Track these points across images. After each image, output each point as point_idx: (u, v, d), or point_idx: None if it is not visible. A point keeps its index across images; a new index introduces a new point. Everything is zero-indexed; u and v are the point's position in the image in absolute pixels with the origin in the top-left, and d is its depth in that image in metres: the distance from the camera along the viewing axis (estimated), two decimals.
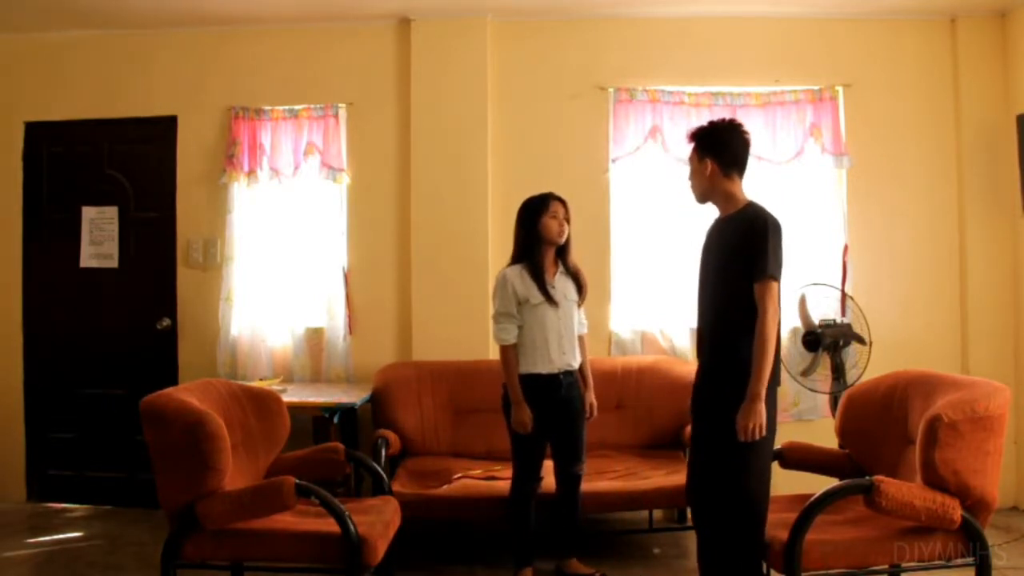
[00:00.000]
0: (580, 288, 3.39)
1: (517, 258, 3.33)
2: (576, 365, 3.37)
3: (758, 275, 2.61)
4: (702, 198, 2.85)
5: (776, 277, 2.64)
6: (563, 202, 3.33)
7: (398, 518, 3.07)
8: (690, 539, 3.14)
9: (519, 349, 3.28)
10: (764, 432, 2.60)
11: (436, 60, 4.40)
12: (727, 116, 4.22)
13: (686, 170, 2.93)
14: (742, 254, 2.65)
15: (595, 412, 3.47)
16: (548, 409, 3.27)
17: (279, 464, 3.23)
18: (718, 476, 2.72)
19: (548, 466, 3.41)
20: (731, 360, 2.68)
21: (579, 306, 3.41)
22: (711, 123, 2.87)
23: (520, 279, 3.27)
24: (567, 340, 3.31)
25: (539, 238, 3.28)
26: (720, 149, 2.77)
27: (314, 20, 4.48)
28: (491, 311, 3.34)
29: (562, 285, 3.33)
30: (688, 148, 2.88)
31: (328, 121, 4.43)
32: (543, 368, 3.27)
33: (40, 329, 4.66)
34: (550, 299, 3.25)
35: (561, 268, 3.37)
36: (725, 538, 2.71)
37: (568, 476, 3.36)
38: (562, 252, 3.37)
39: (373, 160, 4.48)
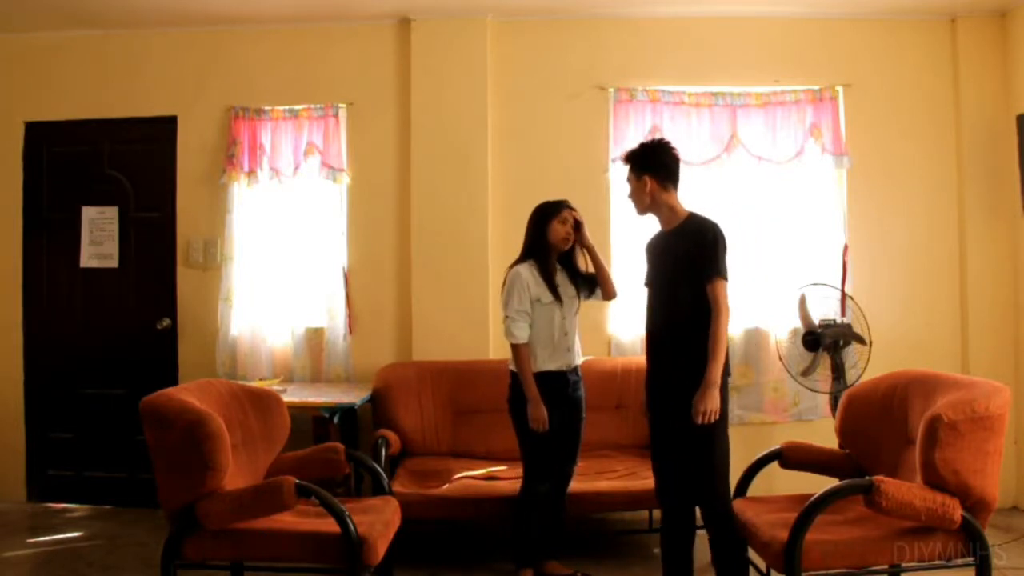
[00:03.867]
0: (582, 282, 3.42)
1: (525, 257, 3.38)
2: (578, 363, 3.42)
3: (712, 276, 2.89)
4: (643, 212, 3.12)
5: (726, 277, 2.92)
6: (576, 212, 3.40)
7: (398, 518, 3.07)
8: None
9: (530, 348, 3.30)
10: (718, 416, 2.85)
11: (436, 60, 4.40)
12: (724, 117, 4.32)
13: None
14: (695, 260, 2.92)
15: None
16: (559, 406, 3.30)
17: (279, 464, 3.23)
18: (688, 462, 2.93)
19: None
20: (691, 355, 2.89)
21: (581, 299, 3.45)
22: (642, 144, 3.16)
23: (532, 278, 3.32)
24: (571, 337, 3.37)
25: (547, 241, 3.35)
26: (656, 166, 3.04)
27: (314, 20, 4.48)
28: (503, 309, 3.33)
29: (564, 284, 3.39)
30: (625, 169, 3.14)
31: (328, 121, 4.43)
32: (553, 365, 3.31)
33: (40, 329, 4.66)
34: (558, 298, 3.32)
35: (560, 268, 3.41)
36: (710, 520, 2.95)
37: (562, 474, 3.37)
38: (569, 260, 3.43)
39: (373, 160, 4.48)
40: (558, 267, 3.42)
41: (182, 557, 2.72)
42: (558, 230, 3.34)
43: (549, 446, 3.30)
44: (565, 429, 3.34)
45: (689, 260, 2.92)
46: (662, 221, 3.09)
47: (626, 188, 3.15)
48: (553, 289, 3.32)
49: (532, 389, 3.24)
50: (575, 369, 3.39)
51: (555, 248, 3.36)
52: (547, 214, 3.37)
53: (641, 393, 4.01)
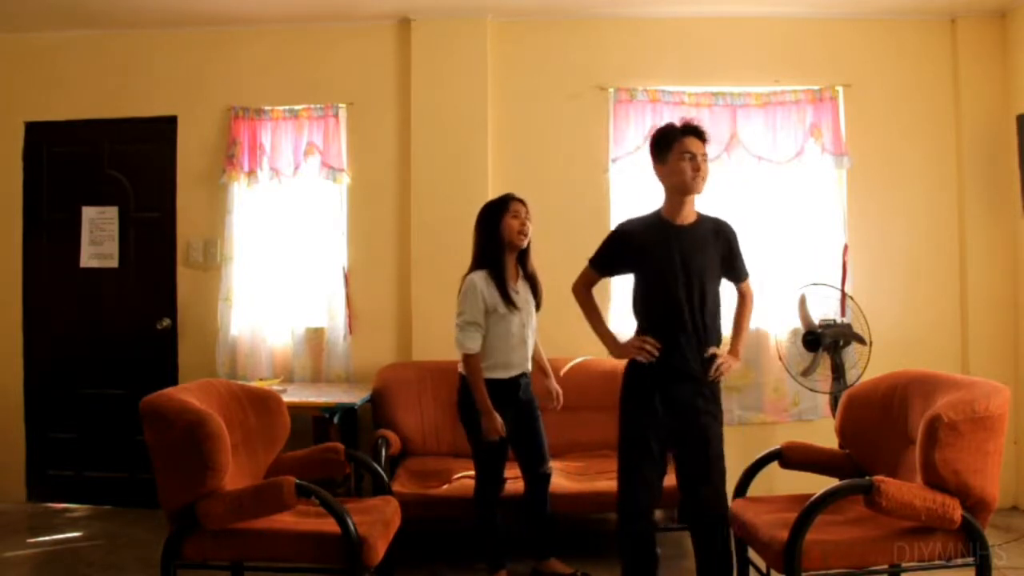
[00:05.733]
0: (537, 293, 3.36)
1: (479, 264, 3.26)
2: (530, 368, 3.37)
3: (746, 273, 3.07)
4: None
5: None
6: (523, 203, 3.29)
7: (398, 518, 3.06)
8: (690, 539, 3.14)
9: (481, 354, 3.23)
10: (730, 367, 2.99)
11: (436, 60, 4.41)
12: (724, 117, 4.31)
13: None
14: (725, 256, 2.97)
15: (561, 399, 3.47)
16: (510, 413, 3.26)
17: (279, 464, 3.22)
18: (704, 454, 2.91)
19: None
20: (712, 346, 2.94)
21: (536, 311, 3.38)
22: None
23: (488, 287, 3.21)
24: (528, 344, 3.32)
25: (501, 241, 3.23)
26: None
27: (314, 20, 4.48)
28: (456, 317, 3.23)
29: (523, 291, 3.31)
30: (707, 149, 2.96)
31: (328, 121, 4.43)
32: (503, 373, 3.25)
33: (40, 329, 4.67)
34: (515, 306, 3.23)
35: (521, 273, 3.34)
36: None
37: (537, 477, 3.35)
38: (523, 257, 3.33)
39: (373, 160, 4.49)
40: (521, 274, 3.32)
41: (182, 557, 2.72)
42: (512, 225, 3.21)
43: (500, 453, 3.26)
44: (523, 432, 3.31)
45: (717, 256, 2.94)
46: (688, 210, 2.92)
47: (706, 169, 2.92)
48: (508, 299, 3.19)
49: (485, 401, 3.17)
50: (525, 373, 3.33)
51: (513, 246, 3.24)
52: (496, 211, 3.24)
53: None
